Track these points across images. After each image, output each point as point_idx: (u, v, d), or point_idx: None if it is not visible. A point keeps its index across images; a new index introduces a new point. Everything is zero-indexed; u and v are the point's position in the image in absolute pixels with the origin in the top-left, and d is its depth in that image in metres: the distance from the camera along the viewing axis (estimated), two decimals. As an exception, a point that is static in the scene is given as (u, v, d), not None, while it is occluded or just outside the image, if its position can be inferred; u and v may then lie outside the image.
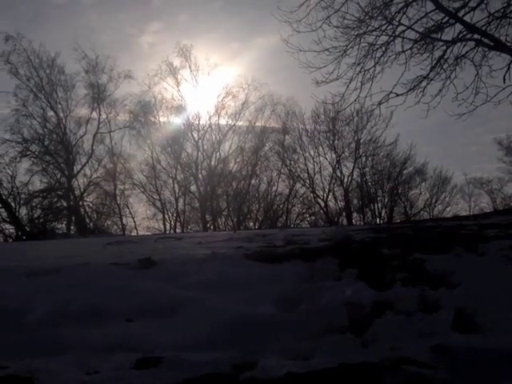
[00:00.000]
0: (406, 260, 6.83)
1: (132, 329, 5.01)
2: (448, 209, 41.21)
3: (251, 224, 40.56)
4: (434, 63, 12.26)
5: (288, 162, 39.93)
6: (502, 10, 11.63)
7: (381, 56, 12.40)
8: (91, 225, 37.33)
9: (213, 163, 40.59)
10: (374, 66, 12.49)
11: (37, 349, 4.50)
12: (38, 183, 36.47)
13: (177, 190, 40.59)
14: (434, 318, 4.98)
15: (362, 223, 34.98)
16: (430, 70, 12.31)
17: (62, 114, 37.75)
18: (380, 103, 12.79)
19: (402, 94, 12.50)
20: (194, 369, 3.97)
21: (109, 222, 39.56)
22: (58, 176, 37.81)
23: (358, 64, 12.52)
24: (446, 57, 12.26)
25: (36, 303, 5.44)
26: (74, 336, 4.75)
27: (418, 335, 4.67)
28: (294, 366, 3.91)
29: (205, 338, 4.78)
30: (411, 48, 12.24)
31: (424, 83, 12.41)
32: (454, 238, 7.81)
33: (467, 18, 11.95)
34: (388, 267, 6.64)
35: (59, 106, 37.68)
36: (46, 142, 37.37)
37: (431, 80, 12.39)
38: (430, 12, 12.01)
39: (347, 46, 12.47)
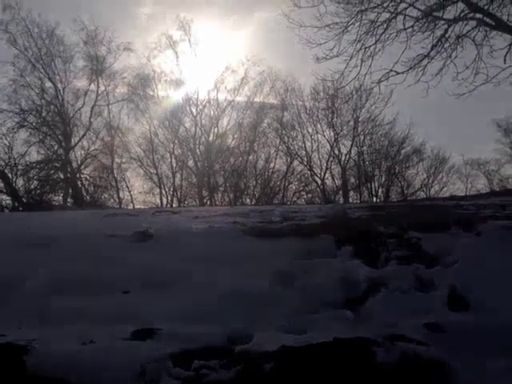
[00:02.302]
0: (403, 238, 6.85)
1: (128, 300, 5.04)
2: (445, 189, 41.16)
3: (248, 200, 40.51)
4: (435, 42, 12.19)
5: (286, 138, 39.75)
6: (505, -11, 11.54)
7: (382, 33, 12.31)
8: (88, 197, 37.19)
9: (211, 138, 40.42)
10: (375, 43, 12.40)
11: (33, 319, 4.53)
12: (35, 154, 36.23)
13: (174, 165, 40.44)
14: (428, 296, 5.02)
15: (358, 202, 34.98)
16: (431, 49, 12.23)
17: (60, 86, 37.39)
18: (380, 81, 12.74)
19: (402, 73, 12.44)
20: (189, 341, 4.00)
21: (106, 195, 39.44)
22: (56, 148, 37.58)
23: (359, 41, 12.44)
24: (447, 36, 12.18)
25: (32, 273, 5.45)
26: (71, 307, 4.78)
27: (412, 313, 4.72)
28: (288, 339, 3.94)
29: (200, 310, 4.81)
30: (413, 26, 12.15)
31: (424, 62, 12.33)
32: (451, 218, 7.81)
33: (469, -3, 11.87)
34: (384, 245, 6.66)
35: (57, 78, 37.29)
36: (43, 114, 37.08)
37: (432, 59, 12.32)
38: (433, -10, 11.92)
39: (348, 22, 12.38)
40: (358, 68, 12.51)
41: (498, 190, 34.25)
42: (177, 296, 5.13)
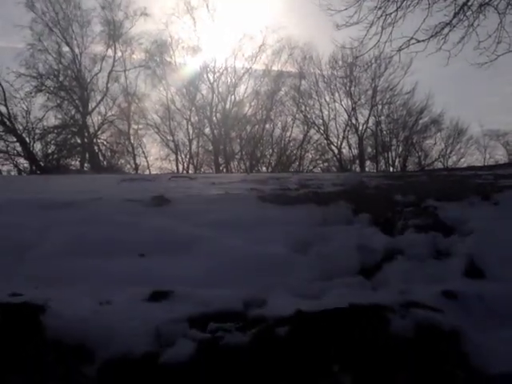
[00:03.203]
0: (420, 207, 6.80)
1: (144, 263, 5.07)
2: (462, 160, 40.84)
3: (264, 169, 40.50)
4: (457, 10, 11.92)
5: (303, 107, 39.56)
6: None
7: (403, 0, 12.07)
8: (105, 163, 37.43)
9: (227, 106, 40.32)
10: (396, 10, 12.15)
11: (50, 279, 4.56)
12: (52, 119, 36.44)
13: (191, 132, 40.44)
14: (444, 265, 5.00)
15: (375, 171, 34.83)
16: (453, 17, 11.98)
17: (77, 50, 37.37)
18: (400, 49, 12.51)
19: (423, 41, 12.20)
20: (204, 304, 4.01)
21: (122, 161, 39.64)
22: (73, 112, 37.70)
23: (380, 8, 12.18)
24: (469, 3, 11.90)
25: (49, 235, 5.49)
26: (87, 268, 4.81)
27: (428, 280, 4.70)
28: (303, 304, 3.94)
29: (216, 274, 4.83)
30: (435, -8, 11.89)
31: (446, 30, 12.08)
32: (469, 187, 7.75)
33: (494, -38, 11.59)
34: (401, 214, 6.62)
35: (74, 42, 37.27)
36: (60, 78, 37.16)
37: (453, 27, 12.07)
38: (457, -45, 11.65)
39: (369, -13, 12.13)
40: (378, 36, 12.28)
41: (516, 161, 33.89)
42: (192, 261, 5.15)
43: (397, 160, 39.87)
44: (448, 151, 40.79)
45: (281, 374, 3.38)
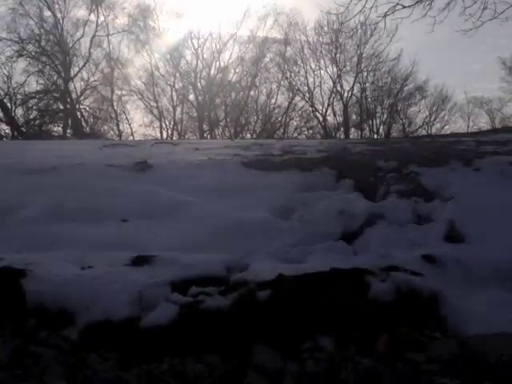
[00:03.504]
0: (402, 173, 6.83)
1: (127, 229, 5.06)
2: (446, 127, 40.85)
3: (248, 135, 40.28)
4: (444, -26, 11.83)
5: (288, 74, 39.21)
6: None
7: (389, -37, 11.92)
8: (87, 129, 37.06)
9: (212, 72, 39.90)
10: (382, -26, 12.03)
11: (31, 244, 4.54)
12: (34, 84, 35.87)
13: (175, 99, 40.02)
14: (425, 229, 5.04)
15: (359, 139, 34.83)
16: (440, -18, 11.89)
17: (59, 15, 36.62)
18: (386, 15, 12.39)
19: (408, 6, 12.08)
20: (187, 268, 4.02)
21: (105, 127, 39.24)
22: (55, 78, 37.13)
23: (366, -28, 12.05)
24: (457, -33, 11.82)
25: (30, 200, 5.45)
26: (69, 233, 4.80)
27: (408, 245, 4.74)
28: (285, 269, 3.96)
29: (199, 240, 4.84)
30: (421, -45, 11.77)
31: (432, -5, 12.00)
32: (451, 153, 7.78)
33: None
34: (383, 179, 6.65)
35: (56, 7, 36.49)
36: (42, 43, 36.49)
37: (440, -8, 11.98)
38: None
39: (355, -50, 11.96)
40: (364, 1, 12.17)
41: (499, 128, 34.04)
42: (175, 226, 5.15)
43: (381, 127, 39.84)
44: (432, 118, 40.80)
45: (262, 337, 3.41)
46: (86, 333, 3.35)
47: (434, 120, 40.84)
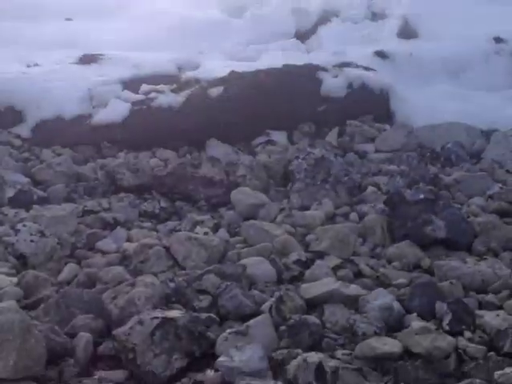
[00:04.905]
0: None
1: (72, 27, 4.84)
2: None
3: None
4: None
5: None
6: None
7: None
8: None
9: None
10: None
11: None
12: None
13: None
14: (379, 26, 4.95)
15: None
16: None
17: None
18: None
19: None
20: (136, 67, 3.94)
21: None
22: None
23: None
24: None
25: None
26: (12, 32, 4.55)
27: (362, 42, 4.69)
28: (238, 66, 3.91)
29: (150, 38, 4.67)
30: None
31: None
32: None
33: None
34: None
35: None
36: None
37: None
38: None
39: None
40: None
41: None
42: (125, 25, 4.95)
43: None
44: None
45: (215, 133, 3.43)
46: (38, 130, 3.35)
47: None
